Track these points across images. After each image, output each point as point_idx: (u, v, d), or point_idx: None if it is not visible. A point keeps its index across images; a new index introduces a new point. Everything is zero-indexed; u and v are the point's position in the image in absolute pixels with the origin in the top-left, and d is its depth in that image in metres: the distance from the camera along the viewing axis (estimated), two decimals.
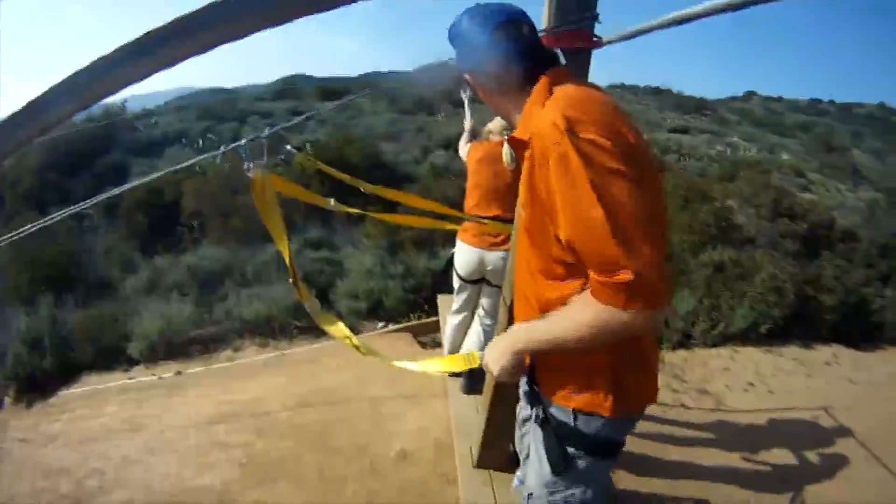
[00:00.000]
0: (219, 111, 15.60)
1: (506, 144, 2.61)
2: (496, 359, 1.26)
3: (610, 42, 1.67)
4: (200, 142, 12.24)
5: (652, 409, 3.41)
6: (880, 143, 19.55)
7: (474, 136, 3.13)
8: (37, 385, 4.63)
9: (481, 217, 2.72)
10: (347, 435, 3.20)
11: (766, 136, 18.00)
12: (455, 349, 3.23)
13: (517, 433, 1.63)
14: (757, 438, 3.19)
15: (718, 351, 4.29)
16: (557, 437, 1.29)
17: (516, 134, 1.17)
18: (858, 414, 3.44)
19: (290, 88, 20.80)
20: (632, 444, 3.01)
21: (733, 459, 2.98)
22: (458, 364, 1.62)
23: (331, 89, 19.08)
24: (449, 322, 3.20)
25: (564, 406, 1.26)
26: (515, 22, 1.19)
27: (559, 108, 1.04)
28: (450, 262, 3.11)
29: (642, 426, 3.22)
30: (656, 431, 3.19)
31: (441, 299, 4.28)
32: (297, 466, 3.01)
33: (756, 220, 6.65)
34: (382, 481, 2.81)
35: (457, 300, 3.10)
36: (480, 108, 2.98)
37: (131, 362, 4.71)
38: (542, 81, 1.15)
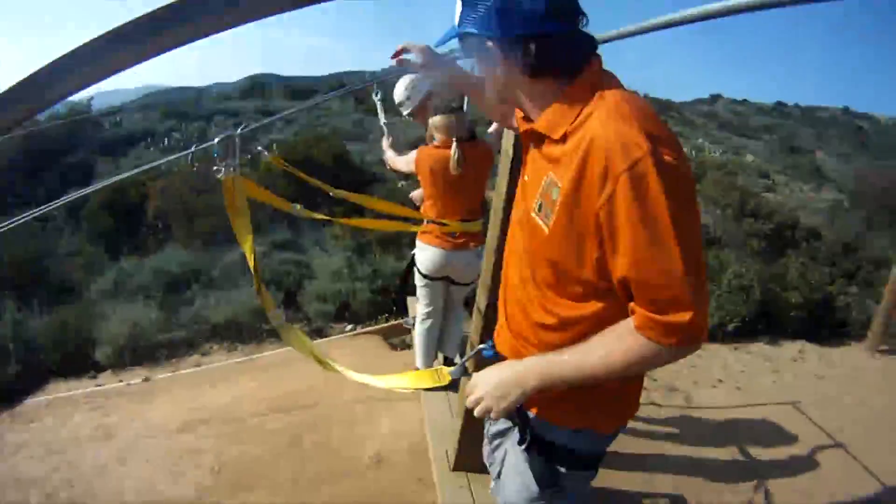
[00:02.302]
0: (185, 110, 15.34)
1: (454, 147, 2.54)
2: (493, 394, 1.06)
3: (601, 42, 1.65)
4: (166, 141, 12.10)
5: None
6: (845, 147, 20.22)
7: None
8: (2, 393, 4.44)
9: (443, 221, 2.69)
10: (321, 439, 3.13)
11: (732, 139, 18.47)
12: (430, 359, 3.14)
13: (487, 446, 1.44)
14: (727, 434, 3.24)
15: None
16: (546, 457, 1.18)
17: (538, 127, 1.01)
18: (825, 408, 3.53)
19: (257, 87, 20.59)
20: None
21: (705, 455, 3.02)
22: (426, 380, 1.49)
23: (298, 88, 18.90)
24: (418, 331, 3.09)
25: (561, 426, 1.16)
26: None
27: (632, 120, 0.88)
28: (411, 264, 3.06)
29: None
30: (629, 427, 3.21)
31: (411, 301, 4.18)
32: (271, 472, 2.95)
33: (722, 221, 6.80)
34: (359, 486, 2.77)
35: (421, 304, 3.04)
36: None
37: (98, 368, 4.56)
38: (588, 73, 0.98)
